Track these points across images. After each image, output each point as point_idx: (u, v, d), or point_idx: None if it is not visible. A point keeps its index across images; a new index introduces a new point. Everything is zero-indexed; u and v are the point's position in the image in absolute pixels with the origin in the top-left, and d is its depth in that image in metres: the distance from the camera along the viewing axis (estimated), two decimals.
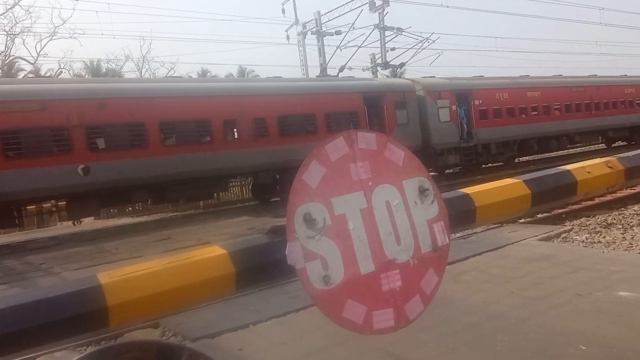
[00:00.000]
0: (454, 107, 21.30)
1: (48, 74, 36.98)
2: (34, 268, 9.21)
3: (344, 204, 1.66)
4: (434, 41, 29.28)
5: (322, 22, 30.26)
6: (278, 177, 17.10)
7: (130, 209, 20.78)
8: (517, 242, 6.96)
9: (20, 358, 1.61)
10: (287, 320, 4.64)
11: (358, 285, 1.63)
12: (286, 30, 31.15)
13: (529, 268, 5.54)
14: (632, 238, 7.62)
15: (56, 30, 35.60)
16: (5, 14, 34.10)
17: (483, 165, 23.57)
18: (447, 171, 22.66)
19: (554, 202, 2.52)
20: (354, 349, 3.60)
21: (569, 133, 25.69)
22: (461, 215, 2.00)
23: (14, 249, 12.71)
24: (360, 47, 29.29)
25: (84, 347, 4.58)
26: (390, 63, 30.74)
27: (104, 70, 42.56)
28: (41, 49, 37.34)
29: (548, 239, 7.37)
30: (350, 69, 30.05)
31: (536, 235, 7.38)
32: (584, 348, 3.37)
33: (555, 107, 24.97)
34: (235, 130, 16.43)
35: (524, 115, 23.65)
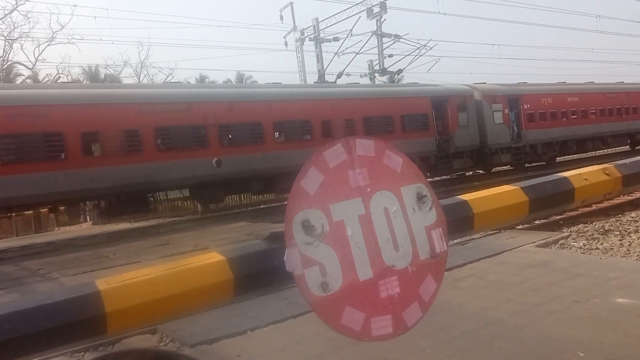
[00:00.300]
0: (506, 111, 23.39)
1: (46, 80, 37.01)
2: (31, 273, 9.18)
3: (342, 211, 1.66)
4: (431, 48, 29.51)
5: (320, 28, 30.34)
6: None
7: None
8: (514, 248, 6.96)
9: None
10: (286, 326, 4.63)
11: (356, 292, 1.63)
12: (284, 37, 31.29)
13: (526, 274, 5.54)
14: (629, 245, 7.63)
15: (54, 35, 35.63)
16: (4, 19, 34.17)
17: (527, 165, 25.11)
18: (496, 169, 24.61)
19: (552, 209, 2.53)
20: (352, 356, 3.60)
21: (603, 135, 27.73)
22: (459, 222, 2.01)
23: (11, 254, 12.67)
24: (358, 53, 29.41)
25: (82, 354, 4.56)
26: (388, 69, 30.85)
27: (103, 75, 42.60)
28: (39, 54, 37.53)
29: (546, 245, 7.37)
30: (348, 75, 30.16)
31: (534, 242, 7.39)
32: (582, 355, 3.37)
33: (591, 111, 27.08)
34: (331, 129, 18.51)
35: (565, 119, 25.82)
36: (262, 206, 21.52)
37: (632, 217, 10.19)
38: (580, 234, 8.82)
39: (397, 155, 1.81)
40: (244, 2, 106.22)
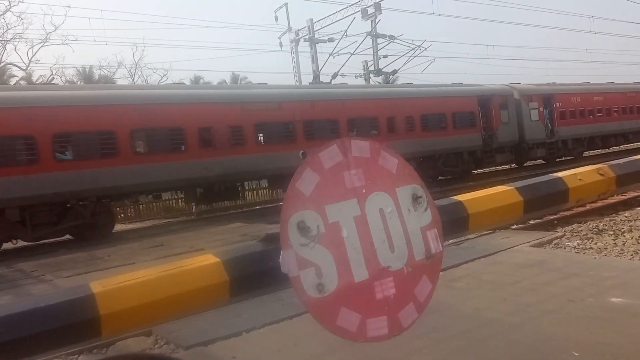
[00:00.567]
0: (541, 109, 25.32)
1: (40, 81, 36.81)
2: (25, 275, 9.13)
3: (338, 212, 1.66)
4: (425, 49, 29.66)
5: (315, 29, 30.35)
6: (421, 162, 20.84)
7: (122, 215, 20.68)
8: (509, 248, 6.98)
9: None
10: (281, 327, 4.63)
11: (352, 293, 1.63)
12: (279, 37, 31.27)
13: (521, 274, 5.56)
14: (623, 244, 7.66)
15: (48, 36, 35.45)
16: None
17: (557, 159, 27.03)
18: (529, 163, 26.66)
19: (546, 209, 2.54)
20: (348, 357, 3.59)
21: (625, 132, 30.10)
22: (454, 223, 2.01)
23: (6, 256, 12.59)
24: (352, 54, 29.42)
25: (76, 356, 4.54)
26: (382, 70, 30.89)
27: (97, 77, 42.42)
28: (33, 55, 37.19)
29: (540, 245, 7.40)
30: (343, 75, 30.20)
31: (528, 242, 7.41)
32: (576, 354, 3.38)
33: (614, 109, 29.32)
34: (395, 125, 20.32)
35: (592, 116, 27.89)
36: (257, 207, 21.52)
37: (625, 217, 10.24)
38: (575, 234, 8.85)
39: (393, 156, 1.81)
40: (238, 3, 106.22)
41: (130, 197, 17.71)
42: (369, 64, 30.99)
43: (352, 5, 28.91)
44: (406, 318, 1.72)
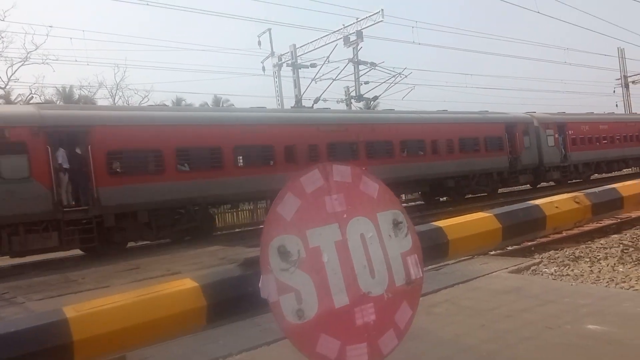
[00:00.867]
0: (556, 136, 28.04)
1: (19, 100, 36.32)
2: None
3: (319, 237, 1.65)
4: (406, 76, 30.25)
5: (298, 54, 30.70)
6: (458, 180, 23.53)
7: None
8: (487, 274, 7.01)
9: None
10: (258, 354, 4.54)
11: (332, 320, 1.62)
12: (262, 62, 31.52)
13: (499, 300, 5.57)
14: (599, 271, 7.75)
15: (29, 55, 35.12)
16: None
17: (569, 181, 29.35)
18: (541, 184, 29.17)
19: (524, 235, 2.56)
20: None
21: (626, 158, 33.09)
22: (434, 249, 2.02)
23: None
24: (334, 79, 29.80)
25: None
26: (364, 96, 31.28)
27: (77, 96, 42.00)
28: (12, 74, 36.74)
29: (518, 271, 7.44)
30: (324, 100, 30.49)
31: (506, 268, 7.45)
32: None
33: (617, 137, 32.17)
34: (437, 147, 22.64)
35: (598, 143, 30.79)
36: (236, 230, 21.31)
37: (601, 244, 10.39)
38: (552, 260, 8.94)
39: (373, 182, 1.82)
40: (221, 26, 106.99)
41: (229, 204, 20.74)
42: (351, 89, 31.41)
43: (334, 32, 29.40)
44: (386, 345, 1.71)
